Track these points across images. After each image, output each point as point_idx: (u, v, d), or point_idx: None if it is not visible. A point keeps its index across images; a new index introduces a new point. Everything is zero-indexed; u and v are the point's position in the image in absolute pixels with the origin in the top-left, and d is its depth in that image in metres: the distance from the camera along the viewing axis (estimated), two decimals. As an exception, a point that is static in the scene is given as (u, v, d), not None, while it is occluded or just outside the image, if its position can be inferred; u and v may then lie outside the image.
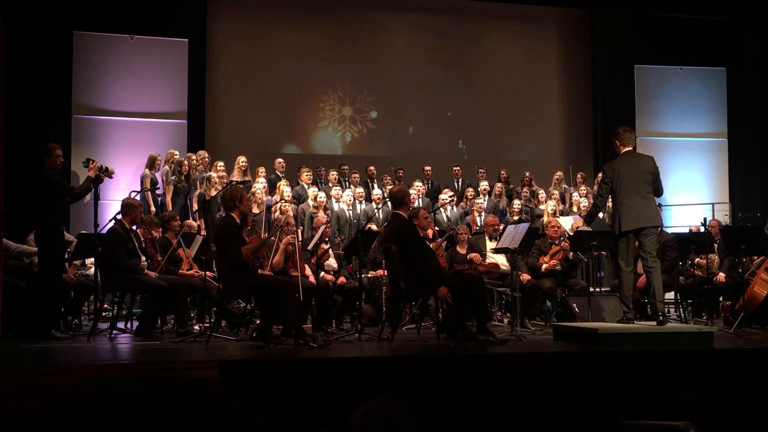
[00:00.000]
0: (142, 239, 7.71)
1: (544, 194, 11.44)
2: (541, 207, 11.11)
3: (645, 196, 6.56)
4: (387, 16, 14.35)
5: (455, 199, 11.04)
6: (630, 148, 6.75)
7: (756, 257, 7.96)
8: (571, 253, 8.47)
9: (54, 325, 6.77)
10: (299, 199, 10.69)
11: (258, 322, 6.97)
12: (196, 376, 4.70)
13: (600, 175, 6.90)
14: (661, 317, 6.37)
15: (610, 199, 6.85)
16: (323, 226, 8.06)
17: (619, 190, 6.57)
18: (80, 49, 12.17)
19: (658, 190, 6.76)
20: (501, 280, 8.47)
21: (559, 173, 12.19)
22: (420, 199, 11.05)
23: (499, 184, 11.98)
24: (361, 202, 10.87)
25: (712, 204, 13.23)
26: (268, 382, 4.82)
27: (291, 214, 9.20)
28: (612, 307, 7.65)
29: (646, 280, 6.99)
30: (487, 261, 8.58)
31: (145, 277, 7.07)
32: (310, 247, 7.94)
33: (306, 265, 7.78)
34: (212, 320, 7.32)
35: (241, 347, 6.21)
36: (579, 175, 12.00)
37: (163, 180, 10.46)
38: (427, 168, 12.62)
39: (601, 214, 10.74)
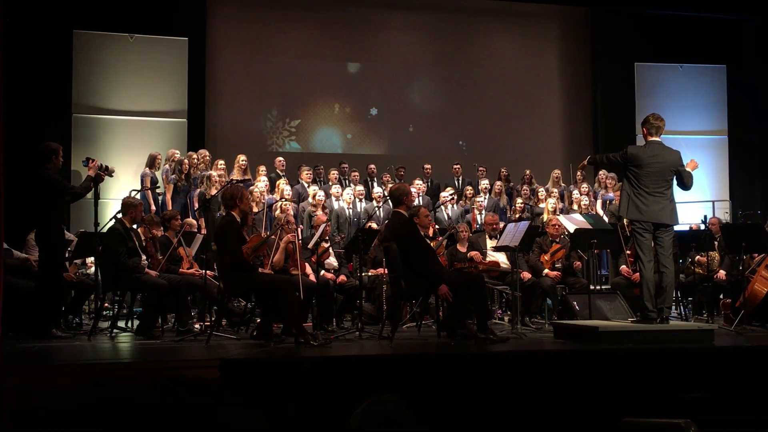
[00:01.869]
0: (143, 238, 7.72)
1: (544, 192, 11.44)
2: (541, 205, 11.11)
3: (663, 192, 6.32)
4: (387, 15, 14.35)
5: (455, 197, 11.04)
6: (657, 139, 6.46)
7: (756, 255, 7.95)
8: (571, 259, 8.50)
9: (54, 324, 6.77)
10: (299, 197, 10.69)
11: (258, 320, 6.97)
12: (196, 375, 4.71)
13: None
14: (665, 317, 6.34)
15: (625, 184, 6.49)
16: (324, 225, 8.05)
17: (638, 179, 6.32)
18: (80, 48, 12.19)
19: (686, 186, 6.44)
20: (501, 278, 8.47)
21: (556, 171, 12.15)
22: (420, 198, 11.04)
23: (498, 183, 11.98)
24: (361, 201, 10.87)
25: (713, 201, 13.24)
26: (268, 380, 4.82)
27: (291, 212, 9.20)
28: (612, 305, 7.64)
29: (658, 279, 6.48)
30: (488, 259, 8.58)
31: (146, 276, 7.08)
32: (310, 246, 7.94)
33: (306, 264, 7.78)
34: (213, 319, 7.32)
35: (241, 346, 6.20)
36: (579, 173, 11.99)
37: (163, 179, 10.46)
38: (427, 166, 12.61)
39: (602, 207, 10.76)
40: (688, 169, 6.48)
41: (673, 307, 9.37)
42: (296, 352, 5.70)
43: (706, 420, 4.27)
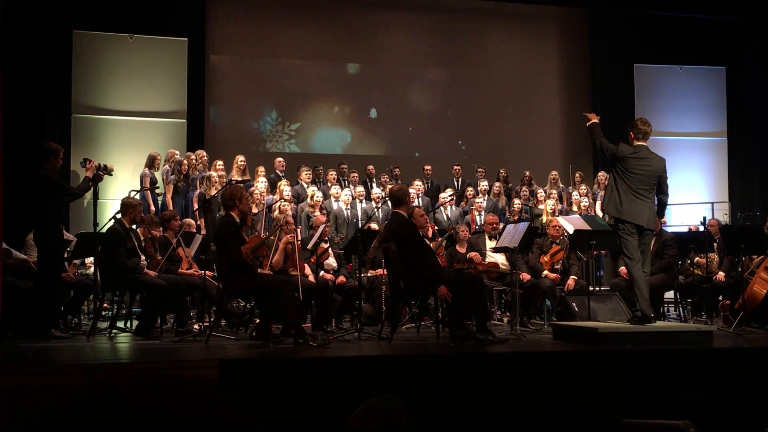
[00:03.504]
0: (142, 238, 7.72)
1: (543, 194, 11.44)
2: (540, 206, 11.11)
3: (647, 197, 6.40)
4: (386, 15, 14.35)
5: (454, 198, 11.04)
6: (644, 143, 6.51)
7: (755, 256, 7.95)
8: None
9: (53, 324, 6.77)
10: (299, 198, 10.68)
11: (257, 321, 6.97)
12: (195, 376, 4.70)
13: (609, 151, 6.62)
14: (639, 314, 6.38)
15: (610, 180, 6.60)
16: (323, 226, 8.05)
17: (623, 177, 6.38)
18: (80, 48, 12.18)
19: (664, 193, 6.57)
20: (500, 279, 8.47)
21: (553, 173, 12.16)
22: (419, 199, 11.04)
23: (497, 183, 11.98)
24: (361, 201, 10.87)
25: (712, 203, 13.24)
26: (267, 381, 4.82)
27: (290, 213, 9.20)
28: (611, 307, 7.64)
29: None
30: (487, 260, 8.58)
31: (145, 277, 7.07)
32: (309, 247, 7.94)
33: (305, 265, 7.78)
34: (212, 319, 7.32)
35: (240, 346, 6.20)
36: (578, 174, 11.99)
37: (163, 179, 10.46)
38: (427, 167, 12.61)
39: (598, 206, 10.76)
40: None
41: (672, 309, 9.39)
42: (295, 353, 5.71)
43: (705, 421, 4.28)
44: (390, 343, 6.26)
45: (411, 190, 9.08)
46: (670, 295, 9.21)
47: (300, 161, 12.16)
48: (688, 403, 4.94)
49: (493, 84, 14.57)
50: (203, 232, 9.13)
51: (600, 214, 10.92)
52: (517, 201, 11.14)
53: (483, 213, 10.51)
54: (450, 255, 8.67)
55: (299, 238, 7.82)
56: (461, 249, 8.77)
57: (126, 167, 11.61)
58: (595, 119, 6.83)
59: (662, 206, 6.78)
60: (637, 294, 6.45)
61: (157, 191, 10.32)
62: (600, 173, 12.06)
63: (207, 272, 7.45)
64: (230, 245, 6.25)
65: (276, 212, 9.22)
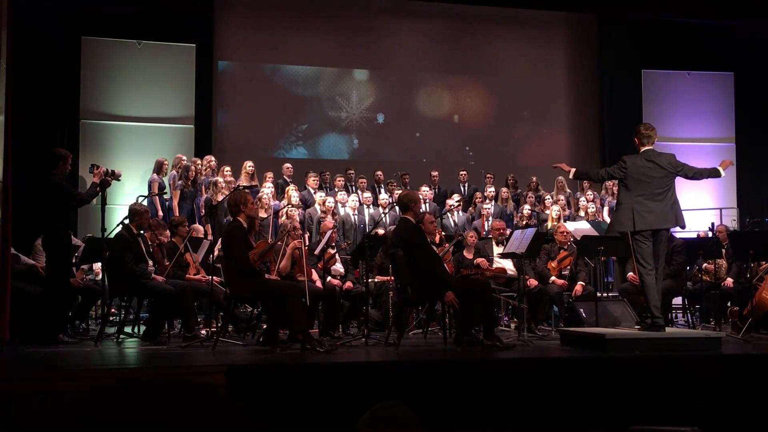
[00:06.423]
0: (150, 243, 7.74)
1: (551, 199, 11.42)
2: (547, 212, 11.09)
3: (663, 197, 6.33)
4: (394, 22, 14.37)
5: (461, 203, 11.03)
6: (650, 147, 6.45)
7: (764, 262, 7.92)
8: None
9: (61, 329, 6.79)
10: (306, 203, 10.69)
11: (265, 326, 6.98)
12: (203, 381, 4.70)
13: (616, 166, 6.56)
14: (648, 320, 6.33)
15: (623, 197, 6.50)
16: (330, 231, 8.06)
17: (635, 188, 6.32)
18: (88, 54, 12.23)
19: (698, 175, 6.53)
20: (508, 285, 8.45)
21: (560, 178, 12.14)
22: (427, 204, 11.04)
23: (504, 189, 11.96)
24: (368, 207, 10.87)
25: (720, 209, 13.19)
26: (274, 386, 4.82)
27: (297, 218, 9.21)
28: (619, 313, 7.62)
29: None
30: (494, 266, 8.56)
31: (152, 282, 7.09)
32: (317, 252, 7.95)
33: (313, 270, 7.79)
34: (219, 325, 7.33)
35: (247, 352, 6.20)
36: (576, 181, 11.97)
37: (170, 185, 10.49)
38: (434, 173, 12.61)
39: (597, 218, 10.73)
40: (720, 168, 6.50)
41: (681, 315, 9.35)
42: (302, 359, 5.70)
43: (713, 428, 4.26)
44: (397, 348, 6.26)
45: (420, 196, 9.07)
46: (678, 301, 9.17)
47: (307, 167, 12.19)
48: (696, 410, 4.91)
49: (501, 89, 14.58)
50: (210, 237, 9.14)
51: (607, 219, 10.89)
52: (526, 207, 11.12)
53: (490, 219, 10.51)
54: (457, 261, 8.66)
55: (306, 244, 7.82)
56: (468, 255, 8.76)
57: (134, 173, 11.64)
58: (569, 169, 6.78)
59: (702, 175, 6.61)
60: (649, 302, 6.38)
61: (164, 196, 10.35)
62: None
63: (214, 278, 7.47)
64: (238, 250, 6.26)
65: (283, 218, 9.23)
